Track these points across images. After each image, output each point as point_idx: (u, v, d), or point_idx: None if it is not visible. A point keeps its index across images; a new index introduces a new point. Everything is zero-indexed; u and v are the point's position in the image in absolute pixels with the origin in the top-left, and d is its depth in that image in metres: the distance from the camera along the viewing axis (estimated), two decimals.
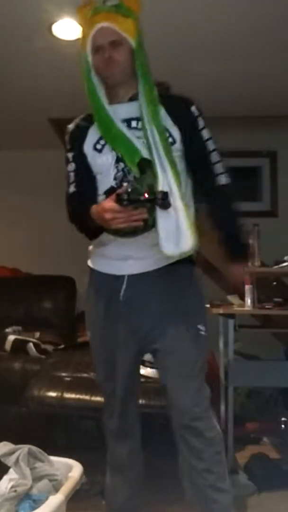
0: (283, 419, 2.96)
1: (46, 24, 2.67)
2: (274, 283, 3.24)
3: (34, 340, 3.11)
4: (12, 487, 1.31)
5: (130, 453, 1.73)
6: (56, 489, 1.33)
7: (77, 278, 4.06)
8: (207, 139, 1.60)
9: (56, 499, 1.26)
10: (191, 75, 3.08)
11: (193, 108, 1.59)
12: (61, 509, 1.26)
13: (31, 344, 3.03)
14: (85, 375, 2.63)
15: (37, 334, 3.32)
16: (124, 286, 1.57)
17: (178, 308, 1.57)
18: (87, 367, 2.68)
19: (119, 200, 1.38)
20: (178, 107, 1.58)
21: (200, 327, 1.59)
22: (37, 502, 1.28)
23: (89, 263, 1.71)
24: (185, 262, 1.57)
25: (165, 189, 1.46)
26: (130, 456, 1.73)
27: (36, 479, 1.34)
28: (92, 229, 1.58)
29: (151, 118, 1.53)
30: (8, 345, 3.01)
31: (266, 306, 2.75)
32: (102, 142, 1.58)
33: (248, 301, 2.69)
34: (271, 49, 2.91)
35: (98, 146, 1.59)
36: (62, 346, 3.27)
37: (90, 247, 1.73)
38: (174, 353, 1.56)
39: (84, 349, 3.19)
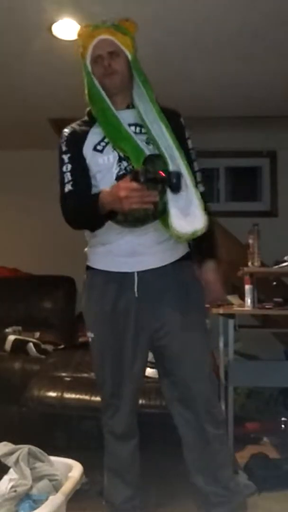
0: (283, 419, 2.96)
1: (46, 24, 2.67)
2: (274, 283, 3.24)
3: (34, 340, 3.11)
4: (12, 487, 1.31)
5: (132, 454, 1.73)
6: (56, 489, 1.33)
7: (77, 278, 4.06)
8: (191, 149, 1.72)
9: (56, 499, 1.26)
10: (191, 75, 3.09)
11: (181, 120, 1.73)
12: (61, 509, 1.26)
13: (31, 344, 3.04)
14: (85, 375, 2.63)
15: (37, 334, 3.32)
16: (135, 283, 1.60)
17: (187, 303, 1.64)
18: (87, 367, 2.68)
19: (135, 177, 1.43)
20: (169, 117, 1.66)
21: (206, 321, 1.72)
22: (37, 502, 1.28)
23: (90, 263, 1.72)
24: (187, 259, 1.67)
25: None
26: (131, 457, 1.73)
27: (36, 479, 1.34)
28: (97, 218, 1.58)
29: (157, 116, 1.62)
30: (8, 345, 3.01)
31: (266, 306, 2.75)
32: (103, 143, 1.64)
33: (248, 301, 2.69)
34: (271, 49, 2.91)
35: (99, 147, 1.64)
36: (62, 346, 3.27)
37: (87, 249, 1.73)
38: (189, 347, 1.62)
39: (84, 349, 3.19)
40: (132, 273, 1.61)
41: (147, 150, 1.58)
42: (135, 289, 1.60)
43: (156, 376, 1.80)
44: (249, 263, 2.76)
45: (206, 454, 1.63)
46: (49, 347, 3.18)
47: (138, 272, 1.61)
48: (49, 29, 2.70)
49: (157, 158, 1.56)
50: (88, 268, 1.72)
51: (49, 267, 4.01)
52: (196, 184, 1.64)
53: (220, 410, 1.73)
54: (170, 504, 2.03)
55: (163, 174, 1.46)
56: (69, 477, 1.39)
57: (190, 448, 1.66)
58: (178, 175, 1.48)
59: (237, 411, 2.80)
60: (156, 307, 1.61)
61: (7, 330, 3.22)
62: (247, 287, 2.71)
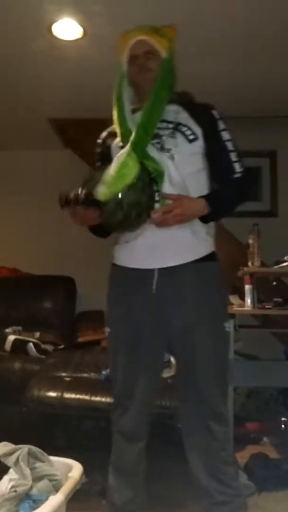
0: (283, 419, 2.96)
1: (46, 24, 2.67)
2: (274, 283, 3.24)
3: (34, 340, 3.11)
4: (12, 487, 1.31)
5: (138, 455, 1.72)
6: (56, 489, 1.33)
7: (77, 278, 4.07)
8: (228, 140, 1.70)
9: (56, 499, 1.26)
10: (191, 75, 3.08)
11: (214, 112, 1.72)
12: (61, 509, 1.26)
13: (31, 344, 3.04)
14: (85, 375, 2.63)
15: (37, 334, 3.32)
16: (155, 280, 1.61)
17: (208, 303, 1.64)
18: (87, 367, 2.69)
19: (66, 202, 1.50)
20: (200, 111, 1.70)
21: (225, 323, 1.68)
22: (37, 502, 1.28)
23: (113, 260, 1.74)
24: (210, 259, 1.67)
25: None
26: (137, 459, 1.72)
27: (36, 479, 1.34)
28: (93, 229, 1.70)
29: (152, 104, 1.63)
30: (8, 345, 3.01)
31: (266, 306, 2.75)
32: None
33: (248, 301, 2.70)
34: (271, 49, 2.92)
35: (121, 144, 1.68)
36: (62, 346, 3.28)
37: (115, 244, 1.75)
38: (206, 348, 1.62)
39: (84, 349, 3.20)
40: (152, 269, 1.62)
41: (155, 151, 1.60)
42: (154, 286, 1.61)
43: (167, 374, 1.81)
44: (249, 263, 2.76)
45: (210, 450, 1.65)
46: (49, 347, 3.18)
47: (158, 269, 1.61)
48: (49, 29, 2.70)
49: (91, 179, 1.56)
50: (113, 265, 1.74)
51: (49, 267, 4.01)
52: (232, 173, 1.67)
53: (226, 409, 1.75)
54: (172, 505, 2.03)
55: (73, 196, 1.48)
56: (69, 477, 1.39)
57: (194, 445, 1.67)
58: (87, 195, 1.48)
59: (237, 411, 2.80)
60: (175, 305, 1.61)
61: (7, 330, 3.22)
62: (247, 287, 2.71)
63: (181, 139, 1.64)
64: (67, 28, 2.70)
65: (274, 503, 2.07)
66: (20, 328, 3.28)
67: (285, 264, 2.76)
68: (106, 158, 1.71)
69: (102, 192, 1.47)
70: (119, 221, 1.50)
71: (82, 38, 2.79)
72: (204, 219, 1.64)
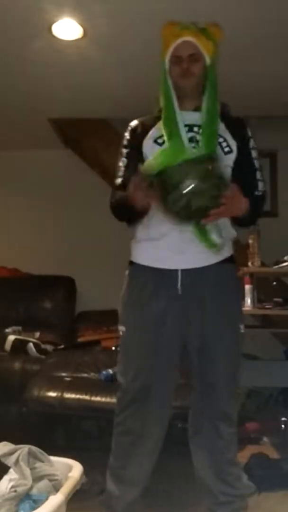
0: (283, 419, 2.96)
1: (46, 24, 2.67)
2: (274, 283, 3.24)
3: (34, 340, 3.11)
4: (12, 487, 1.31)
5: (149, 464, 1.69)
6: (56, 489, 1.33)
7: (77, 278, 4.07)
8: (255, 158, 1.76)
9: (56, 499, 1.26)
10: None
11: (248, 130, 1.77)
12: (61, 509, 1.26)
13: (31, 344, 3.03)
14: (85, 375, 2.63)
15: (37, 334, 3.32)
16: (179, 281, 1.62)
17: (227, 305, 1.67)
18: (87, 367, 2.69)
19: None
20: (236, 125, 1.74)
21: (241, 326, 1.71)
22: (37, 502, 1.28)
23: (133, 258, 1.73)
24: (230, 261, 1.71)
25: None
26: (148, 467, 1.69)
27: (36, 479, 1.34)
28: (133, 213, 1.64)
29: (208, 124, 1.66)
30: (8, 345, 3.01)
31: (266, 306, 2.75)
32: (164, 138, 1.65)
33: (248, 301, 2.70)
34: (271, 49, 2.91)
35: (160, 141, 1.66)
36: (62, 346, 3.27)
37: (133, 242, 1.74)
38: (222, 350, 1.64)
39: (84, 349, 3.21)
40: (176, 270, 1.62)
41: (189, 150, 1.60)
42: (179, 286, 1.62)
43: None
44: (249, 263, 2.76)
45: (217, 451, 1.66)
46: (49, 347, 3.18)
47: (183, 270, 1.62)
48: (49, 29, 2.70)
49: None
50: (132, 263, 1.73)
51: (49, 267, 4.01)
52: (256, 190, 1.70)
53: (235, 410, 1.75)
54: (172, 505, 2.03)
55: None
56: (69, 477, 1.39)
57: (202, 445, 1.68)
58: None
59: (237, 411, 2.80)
60: (196, 306, 1.63)
61: (7, 330, 3.22)
62: (247, 287, 2.71)
63: (217, 149, 1.65)
64: (67, 28, 2.70)
65: (274, 503, 2.07)
66: (20, 328, 3.29)
67: (285, 264, 2.76)
68: (135, 148, 1.71)
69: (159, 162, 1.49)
70: (180, 208, 1.48)
71: (82, 38, 2.79)
72: (239, 220, 1.68)
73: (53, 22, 2.65)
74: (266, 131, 3.97)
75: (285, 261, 2.76)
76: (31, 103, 3.54)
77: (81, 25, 2.68)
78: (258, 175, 1.74)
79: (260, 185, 1.73)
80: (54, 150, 4.24)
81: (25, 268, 4.15)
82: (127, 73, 3.09)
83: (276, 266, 2.81)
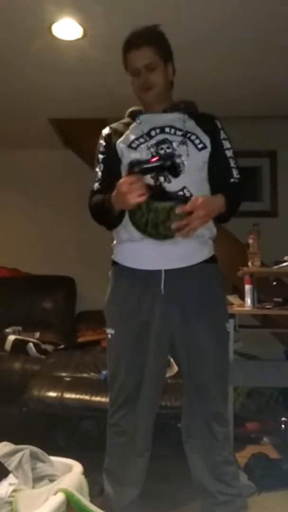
0: (283, 419, 2.96)
1: (46, 24, 2.66)
2: (274, 283, 3.24)
3: (34, 340, 3.11)
4: (13, 491, 1.30)
5: (142, 466, 1.70)
6: None
7: (77, 278, 4.07)
8: (228, 148, 1.76)
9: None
10: (191, 75, 3.09)
11: (217, 122, 1.78)
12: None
13: (31, 344, 3.04)
14: (85, 375, 2.63)
15: (37, 334, 3.32)
16: (163, 281, 1.62)
17: (211, 304, 1.67)
18: (87, 367, 2.69)
19: (130, 170, 1.49)
20: (205, 120, 1.76)
21: (227, 324, 1.74)
22: None
23: (116, 258, 1.73)
24: (212, 261, 1.72)
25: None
26: (140, 470, 1.69)
27: (36, 479, 1.34)
28: (112, 217, 1.64)
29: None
30: (8, 345, 3.02)
31: (266, 306, 2.75)
32: (137, 141, 1.70)
33: (248, 301, 2.69)
34: (271, 49, 2.91)
35: (134, 145, 1.70)
36: (62, 346, 3.28)
37: (114, 244, 1.75)
38: (209, 350, 1.65)
39: (84, 349, 3.20)
40: (159, 270, 1.63)
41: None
42: (162, 287, 1.62)
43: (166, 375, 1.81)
44: (249, 263, 2.76)
45: (212, 451, 1.66)
46: (49, 347, 3.18)
47: (166, 271, 1.63)
48: (49, 29, 2.70)
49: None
50: (114, 263, 1.74)
51: (49, 267, 4.01)
52: (230, 178, 1.71)
53: (226, 409, 1.78)
54: (170, 505, 2.03)
55: (153, 160, 1.50)
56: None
57: (196, 445, 1.68)
58: (171, 155, 1.52)
59: (237, 411, 2.80)
60: (180, 306, 1.63)
61: (7, 330, 3.22)
62: (247, 287, 2.71)
63: (191, 147, 1.67)
64: (67, 28, 2.69)
65: (274, 503, 2.06)
66: (20, 328, 3.29)
67: (285, 264, 2.75)
68: (111, 153, 1.74)
69: None
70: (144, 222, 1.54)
71: (82, 38, 2.79)
72: (220, 218, 1.67)
73: (53, 22, 2.65)
74: (266, 131, 3.98)
75: (285, 261, 2.76)
76: (31, 103, 3.54)
77: (81, 25, 2.68)
78: (232, 162, 1.74)
79: (235, 172, 1.73)
80: (54, 150, 4.24)
81: (25, 268, 4.15)
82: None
83: (276, 266, 2.81)
